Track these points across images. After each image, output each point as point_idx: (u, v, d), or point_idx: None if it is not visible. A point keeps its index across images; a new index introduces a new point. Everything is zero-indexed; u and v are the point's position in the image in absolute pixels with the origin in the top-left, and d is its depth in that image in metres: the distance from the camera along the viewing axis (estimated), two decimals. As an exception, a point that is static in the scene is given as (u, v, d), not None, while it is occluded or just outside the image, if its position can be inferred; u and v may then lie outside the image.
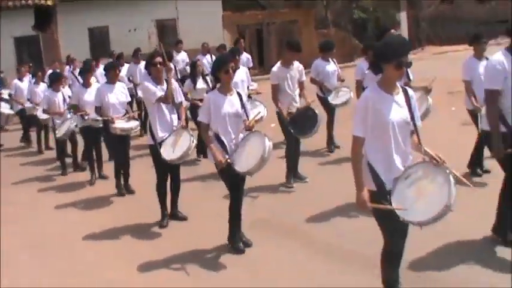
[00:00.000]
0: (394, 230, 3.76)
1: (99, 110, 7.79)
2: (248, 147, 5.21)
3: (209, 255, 5.49)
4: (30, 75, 13.08)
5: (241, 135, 5.36)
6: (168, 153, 6.02)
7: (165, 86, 6.28)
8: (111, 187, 8.10)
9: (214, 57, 13.27)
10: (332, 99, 8.98)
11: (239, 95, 5.49)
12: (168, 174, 6.50)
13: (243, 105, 5.43)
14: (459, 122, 9.38)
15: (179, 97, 6.54)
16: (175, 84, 6.50)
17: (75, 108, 8.49)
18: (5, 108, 13.70)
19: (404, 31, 25.91)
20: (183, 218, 6.64)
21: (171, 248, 5.73)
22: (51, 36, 21.62)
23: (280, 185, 7.52)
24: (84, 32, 21.96)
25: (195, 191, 7.61)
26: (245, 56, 11.70)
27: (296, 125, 7.23)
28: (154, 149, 6.25)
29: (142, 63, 10.97)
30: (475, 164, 7.16)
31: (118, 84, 7.98)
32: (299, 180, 7.64)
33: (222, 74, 5.28)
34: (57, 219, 7.21)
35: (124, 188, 8.01)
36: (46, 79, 12.11)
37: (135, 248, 5.95)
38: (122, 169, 8.00)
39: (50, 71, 13.10)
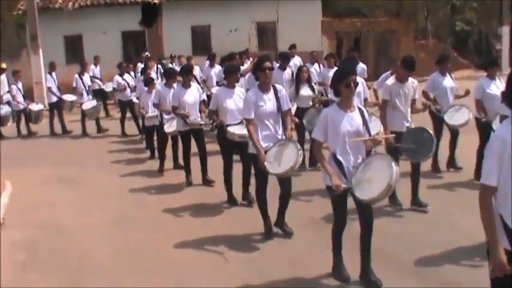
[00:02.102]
0: None
1: (212, 113, 7.37)
2: (370, 172, 4.64)
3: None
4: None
5: (360, 157, 4.88)
6: (272, 166, 5.66)
7: (271, 94, 6.00)
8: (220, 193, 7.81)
9: (322, 66, 12.86)
10: (449, 119, 8.26)
11: (361, 111, 4.96)
12: (267, 182, 6.12)
13: (365, 123, 4.89)
14: None
15: (285, 105, 6.14)
16: (282, 91, 6.16)
17: (176, 109, 8.26)
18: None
19: (506, 46, 24.71)
20: (289, 233, 6.19)
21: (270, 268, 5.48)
22: (156, 32, 22.43)
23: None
24: (187, 30, 22.54)
25: (297, 205, 7.07)
26: (360, 67, 10.71)
27: (407, 147, 6.63)
28: (256, 159, 5.88)
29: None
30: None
31: (237, 89, 7.43)
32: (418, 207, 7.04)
33: (342, 87, 4.78)
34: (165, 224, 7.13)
35: (243, 198, 7.48)
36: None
37: (230, 259, 5.75)
38: (243, 176, 7.40)
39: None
